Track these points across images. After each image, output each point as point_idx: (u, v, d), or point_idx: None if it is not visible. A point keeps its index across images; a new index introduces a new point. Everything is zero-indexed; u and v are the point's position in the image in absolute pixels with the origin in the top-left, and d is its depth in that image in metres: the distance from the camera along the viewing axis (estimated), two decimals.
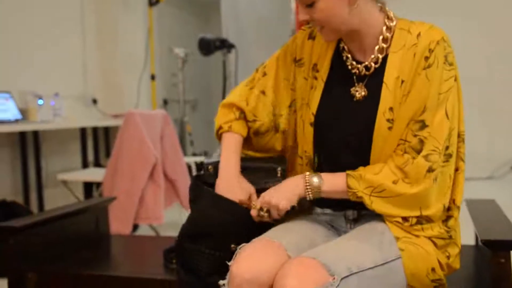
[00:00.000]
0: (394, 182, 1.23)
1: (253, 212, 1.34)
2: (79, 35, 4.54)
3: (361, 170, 1.27)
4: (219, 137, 1.49)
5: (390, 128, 1.26)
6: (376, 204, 1.25)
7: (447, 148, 1.25)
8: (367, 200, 1.25)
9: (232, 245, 1.31)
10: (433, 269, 1.25)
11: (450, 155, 1.26)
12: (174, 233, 1.59)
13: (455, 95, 1.27)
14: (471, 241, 1.82)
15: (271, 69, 1.50)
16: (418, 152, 1.23)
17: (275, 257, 1.18)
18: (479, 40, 5.76)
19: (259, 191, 1.39)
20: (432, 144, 1.22)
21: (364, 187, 1.24)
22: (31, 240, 1.69)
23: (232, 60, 5.10)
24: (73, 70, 4.48)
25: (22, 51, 3.87)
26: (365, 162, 1.30)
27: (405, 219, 1.25)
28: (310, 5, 1.27)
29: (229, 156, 1.44)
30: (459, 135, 1.29)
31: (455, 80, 1.27)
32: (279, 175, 1.43)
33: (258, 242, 1.24)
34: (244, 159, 1.47)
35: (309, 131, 1.39)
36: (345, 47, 1.37)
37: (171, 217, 3.86)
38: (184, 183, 3.49)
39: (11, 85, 3.66)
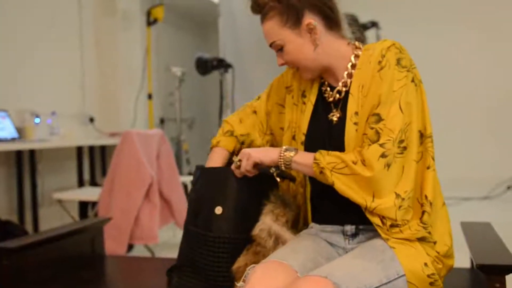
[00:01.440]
0: (354, 162, 1.30)
1: (233, 166, 1.48)
2: (77, 53, 4.56)
3: (330, 151, 1.37)
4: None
5: (356, 130, 1.37)
6: (336, 179, 1.32)
7: (402, 141, 1.31)
8: (328, 173, 1.32)
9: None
10: (425, 264, 1.30)
11: (405, 148, 1.32)
12: (170, 253, 1.59)
13: (412, 94, 1.34)
14: (467, 264, 1.82)
15: (265, 93, 1.67)
16: (374, 142, 1.31)
17: (286, 278, 1.23)
18: (480, 61, 5.81)
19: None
20: (386, 134, 1.31)
21: (328, 161, 1.33)
22: (26, 261, 1.68)
23: (229, 80, 5.13)
24: (71, 88, 4.49)
25: (19, 69, 3.88)
26: None
27: (383, 222, 1.30)
28: (280, 50, 1.44)
29: (212, 163, 1.61)
30: (426, 136, 1.36)
31: (413, 81, 1.35)
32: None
33: (268, 264, 1.28)
34: None
35: (301, 149, 1.48)
36: (325, 81, 1.51)
37: (166, 237, 3.84)
38: (179, 202, 3.48)
39: (8, 103, 3.66)
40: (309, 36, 1.41)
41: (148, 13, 5.05)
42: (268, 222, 1.42)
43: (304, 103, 1.54)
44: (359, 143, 1.36)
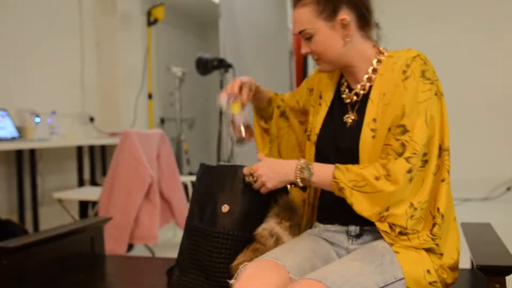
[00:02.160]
0: (377, 179, 1.30)
1: (246, 171, 1.48)
2: (77, 53, 4.56)
3: (349, 165, 1.35)
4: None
5: (374, 137, 1.36)
6: (355, 199, 1.31)
7: (425, 154, 1.32)
8: (347, 192, 1.32)
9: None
10: (428, 271, 1.29)
11: (426, 161, 1.32)
12: (170, 253, 1.59)
13: (435, 107, 1.35)
14: (467, 265, 1.82)
15: (290, 92, 1.74)
16: (400, 154, 1.30)
17: (277, 278, 1.23)
18: (478, 61, 5.81)
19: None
20: (412, 147, 1.30)
21: (348, 179, 1.32)
22: (26, 261, 1.68)
23: (230, 80, 5.12)
24: (71, 88, 4.49)
25: (19, 68, 3.88)
26: None
27: (391, 229, 1.30)
28: (309, 39, 1.42)
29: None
30: (444, 149, 1.36)
31: (436, 95, 1.35)
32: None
33: (261, 262, 1.28)
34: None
35: (312, 150, 1.51)
36: (344, 81, 1.51)
37: (167, 237, 3.84)
38: (179, 202, 3.48)
39: (8, 102, 3.66)
40: (341, 31, 1.40)
41: (149, 13, 5.05)
42: (272, 224, 1.43)
43: (320, 104, 1.55)
44: (376, 151, 1.35)
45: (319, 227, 1.50)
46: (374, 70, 1.43)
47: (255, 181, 1.45)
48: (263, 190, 1.44)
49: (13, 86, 3.82)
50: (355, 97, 1.45)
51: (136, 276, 1.93)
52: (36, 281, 1.70)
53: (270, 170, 1.43)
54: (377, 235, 1.37)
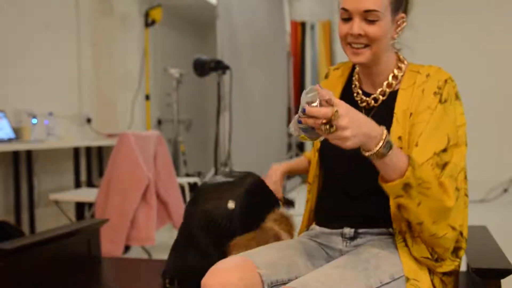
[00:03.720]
0: (440, 185, 1.24)
1: (322, 112, 1.09)
2: (75, 54, 4.56)
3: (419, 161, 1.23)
4: None
5: None
6: (424, 201, 1.21)
7: (465, 176, 1.36)
8: (413, 193, 1.20)
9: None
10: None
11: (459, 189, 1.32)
12: (166, 255, 1.60)
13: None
14: (463, 268, 1.82)
15: None
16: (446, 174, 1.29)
17: (241, 274, 1.24)
18: (474, 65, 5.82)
19: None
20: (456, 170, 1.30)
21: (417, 177, 1.18)
22: (22, 263, 1.67)
23: (227, 81, 5.13)
24: (68, 89, 4.48)
25: (16, 70, 3.88)
26: (373, 186, 1.27)
27: (431, 255, 1.29)
28: (371, 21, 1.33)
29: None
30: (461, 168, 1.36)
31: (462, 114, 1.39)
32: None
33: (231, 259, 1.30)
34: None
35: (317, 158, 1.49)
36: (357, 83, 1.48)
37: (163, 239, 3.84)
38: (176, 203, 3.48)
39: (5, 103, 3.66)
40: (395, 28, 1.39)
41: (146, 15, 5.05)
42: (274, 224, 1.49)
43: None
44: None
45: (315, 230, 1.51)
46: (394, 77, 1.42)
47: (331, 132, 1.11)
48: (343, 146, 1.13)
49: (10, 87, 3.81)
50: (373, 102, 1.43)
51: (132, 278, 1.93)
52: (32, 283, 1.70)
53: (356, 126, 1.11)
54: (370, 237, 1.37)
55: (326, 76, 1.62)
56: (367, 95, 1.45)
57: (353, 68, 1.55)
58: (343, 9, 1.35)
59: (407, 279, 1.26)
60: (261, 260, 1.29)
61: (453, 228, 1.27)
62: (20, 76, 3.90)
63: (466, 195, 1.37)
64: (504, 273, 1.28)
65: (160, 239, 3.76)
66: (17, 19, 3.89)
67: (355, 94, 1.48)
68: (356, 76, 1.50)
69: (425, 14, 5.91)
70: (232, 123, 5.23)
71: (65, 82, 4.42)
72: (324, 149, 1.48)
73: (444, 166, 1.28)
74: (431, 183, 1.20)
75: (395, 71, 1.42)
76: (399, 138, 1.33)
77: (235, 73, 5.10)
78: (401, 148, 1.28)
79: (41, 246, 1.74)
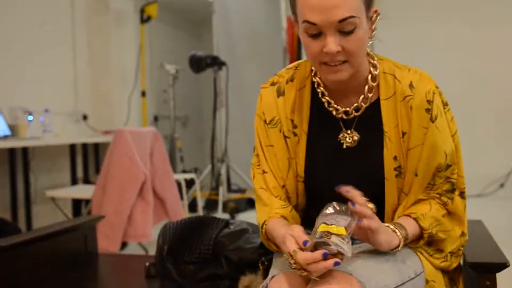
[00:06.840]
0: (444, 216, 1.27)
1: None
2: (70, 51, 4.54)
3: (412, 210, 1.24)
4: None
5: (397, 176, 1.24)
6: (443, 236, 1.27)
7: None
8: (435, 236, 1.26)
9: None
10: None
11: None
12: None
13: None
14: None
15: (256, 144, 1.35)
16: (453, 191, 1.29)
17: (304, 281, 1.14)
18: (466, 60, 5.82)
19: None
20: (462, 183, 1.31)
21: (429, 223, 1.23)
22: (18, 259, 1.67)
23: (223, 77, 5.13)
24: (64, 86, 4.47)
25: (12, 67, 3.87)
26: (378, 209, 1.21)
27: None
28: (350, 32, 1.11)
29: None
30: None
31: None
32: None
33: (286, 273, 1.17)
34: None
35: (301, 187, 1.31)
36: (325, 93, 1.28)
37: None
38: (173, 200, 3.48)
39: (1, 100, 3.65)
40: (370, 25, 1.17)
41: (142, 11, 5.04)
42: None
43: (295, 134, 1.29)
44: (405, 187, 1.25)
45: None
46: (370, 89, 1.25)
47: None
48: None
49: (6, 84, 3.80)
50: (354, 112, 1.25)
51: (129, 274, 1.93)
52: (28, 279, 1.70)
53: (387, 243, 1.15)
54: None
55: (280, 92, 1.32)
56: (342, 107, 1.27)
57: (310, 72, 1.31)
58: (308, 22, 1.10)
59: (427, 281, 1.24)
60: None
61: (463, 234, 1.32)
62: (16, 73, 3.89)
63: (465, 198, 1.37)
64: (500, 267, 1.29)
65: (156, 236, 3.76)
66: (12, 17, 3.88)
67: (326, 105, 1.28)
68: (320, 84, 1.28)
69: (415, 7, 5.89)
70: (229, 119, 5.24)
71: (61, 79, 4.41)
72: (310, 178, 1.29)
73: (452, 184, 1.28)
74: (439, 219, 1.25)
75: (370, 81, 1.24)
76: (395, 157, 1.24)
77: (231, 69, 5.10)
78: (398, 168, 1.24)
79: (37, 242, 1.74)
